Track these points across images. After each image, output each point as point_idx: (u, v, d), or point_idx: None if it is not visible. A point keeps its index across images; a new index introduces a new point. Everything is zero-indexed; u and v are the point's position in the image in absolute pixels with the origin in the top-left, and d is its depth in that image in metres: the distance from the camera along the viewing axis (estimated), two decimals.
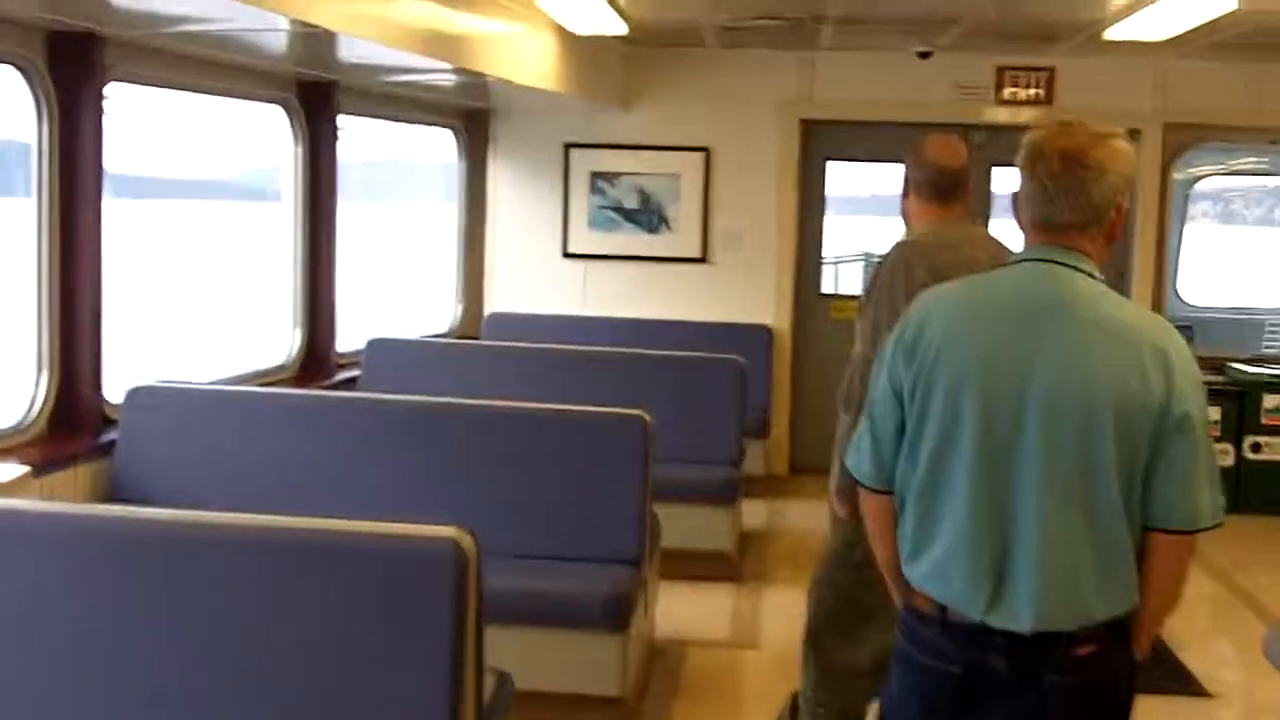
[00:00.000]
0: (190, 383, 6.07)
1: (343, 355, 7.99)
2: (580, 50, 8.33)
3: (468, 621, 3.46)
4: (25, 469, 5.03)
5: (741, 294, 9.81)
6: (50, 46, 5.45)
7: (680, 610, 6.71)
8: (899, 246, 4.51)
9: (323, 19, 5.18)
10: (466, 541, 3.43)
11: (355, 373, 7.86)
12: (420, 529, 3.46)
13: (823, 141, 9.91)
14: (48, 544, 3.52)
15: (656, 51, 9.67)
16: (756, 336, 9.57)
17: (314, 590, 3.45)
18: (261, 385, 7.22)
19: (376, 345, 7.89)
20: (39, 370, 5.62)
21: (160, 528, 3.56)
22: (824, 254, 10.16)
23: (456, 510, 5.31)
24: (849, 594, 4.65)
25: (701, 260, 9.89)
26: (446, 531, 3.42)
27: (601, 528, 5.46)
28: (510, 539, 5.34)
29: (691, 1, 7.82)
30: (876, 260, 4.67)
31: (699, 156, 9.81)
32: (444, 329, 9.85)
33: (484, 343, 9.22)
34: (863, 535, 3.48)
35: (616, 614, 5.18)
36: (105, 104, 5.71)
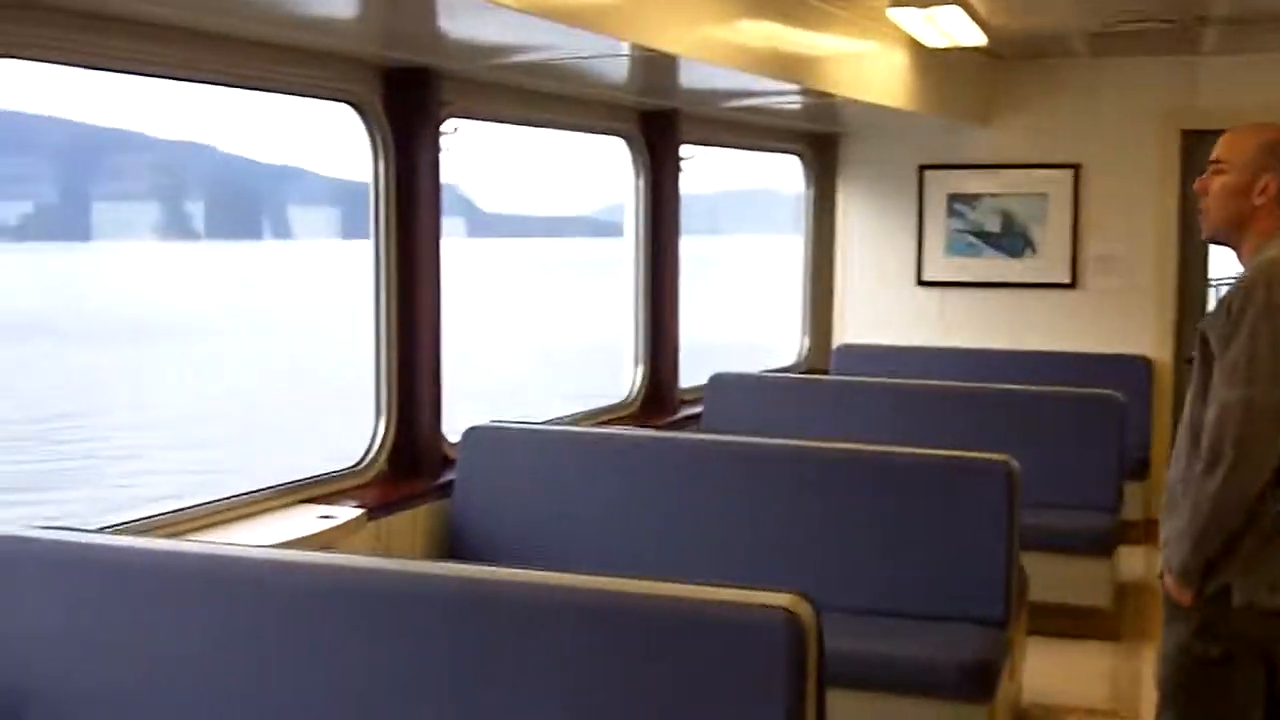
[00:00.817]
0: (527, 422, 5.96)
1: (685, 392, 7.80)
2: (935, 66, 7.90)
3: (806, 697, 3.11)
4: (359, 512, 4.99)
5: (1116, 322, 9.10)
6: (386, 83, 5.44)
7: (1051, 672, 6.16)
8: (1270, 264, 3.77)
9: (664, 43, 5.00)
10: (804, 610, 3.08)
11: (698, 409, 7.64)
12: (754, 596, 3.14)
13: (1207, 154, 9.07)
14: (374, 600, 3.38)
15: (1019, 63, 9.11)
16: (1133, 368, 8.83)
17: (639, 658, 3.18)
18: (604, 423, 7.11)
19: (719, 381, 7.65)
20: (378, 410, 5.62)
21: (483, 586, 3.35)
22: (1209, 276, 9.33)
23: (800, 562, 5.04)
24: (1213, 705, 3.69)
25: (1071, 286, 9.23)
26: (782, 599, 3.08)
27: (962, 584, 5.00)
28: (860, 594, 4.97)
29: (1058, 6, 7.27)
30: (1233, 282, 3.70)
31: (1067, 174, 9.18)
32: (790, 362, 9.56)
33: (832, 378, 8.85)
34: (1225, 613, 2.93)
35: (980, 681, 4.72)
36: (442, 141, 5.68)
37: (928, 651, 4.77)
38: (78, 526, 3.67)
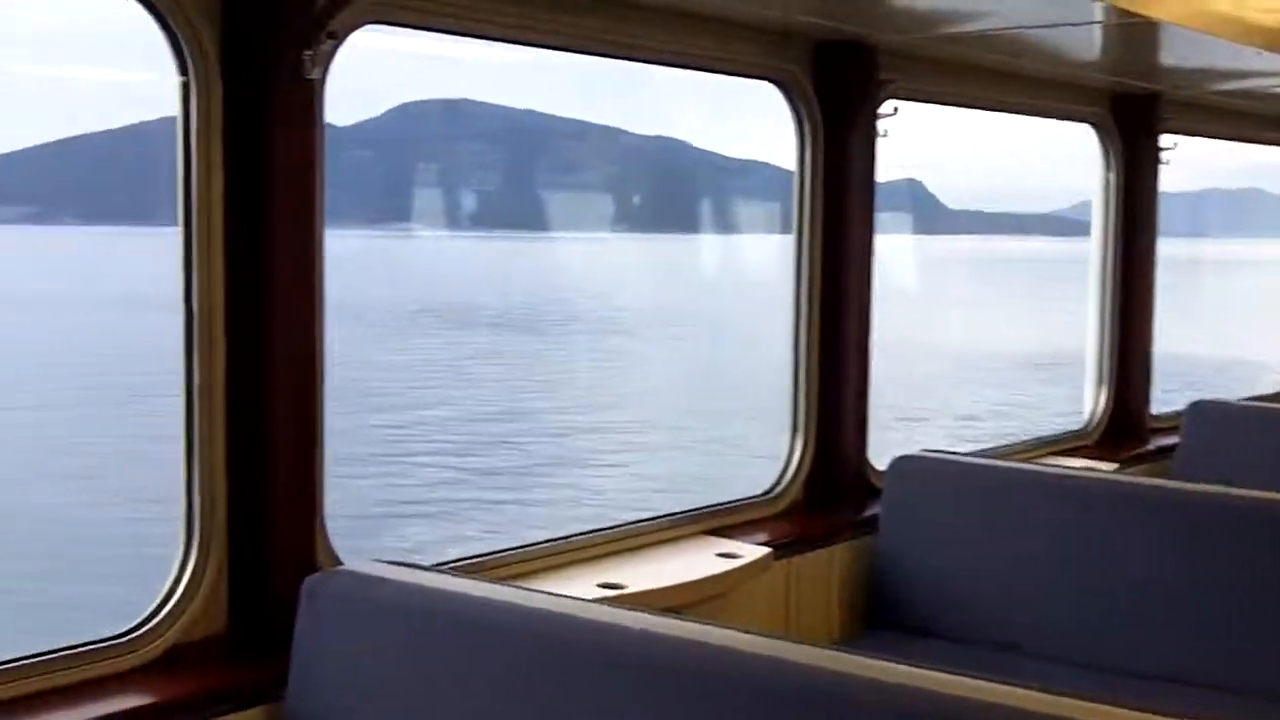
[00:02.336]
0: (965, 453, 5.28)
1: (1158, 419, 6.89)
2: None
3: None
4: (765, 551, 4.46)
5: None
6: (817, 59, 4.90)
7: None
8: None
9: (1145, 7, 4.23)
10: None
11: (1172, 440, 6.70)
12: None
13: None
14: (751, 691, 2.80)
15: None
16: None
17: None
18: (1058, 453, 6.32)
19: (1201, 410, 6.65)
20: (795, 429, 5.09)
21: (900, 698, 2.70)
22: None
23: None
24: None
25: None
26: None
27: None
28: None
29: None
30: None
31: None
32: None
33: None
34: None
35: None
36: (880, 124, 5.10)
37: None
38: (414, 563, 3.29)
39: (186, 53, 3.15)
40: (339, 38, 3.31)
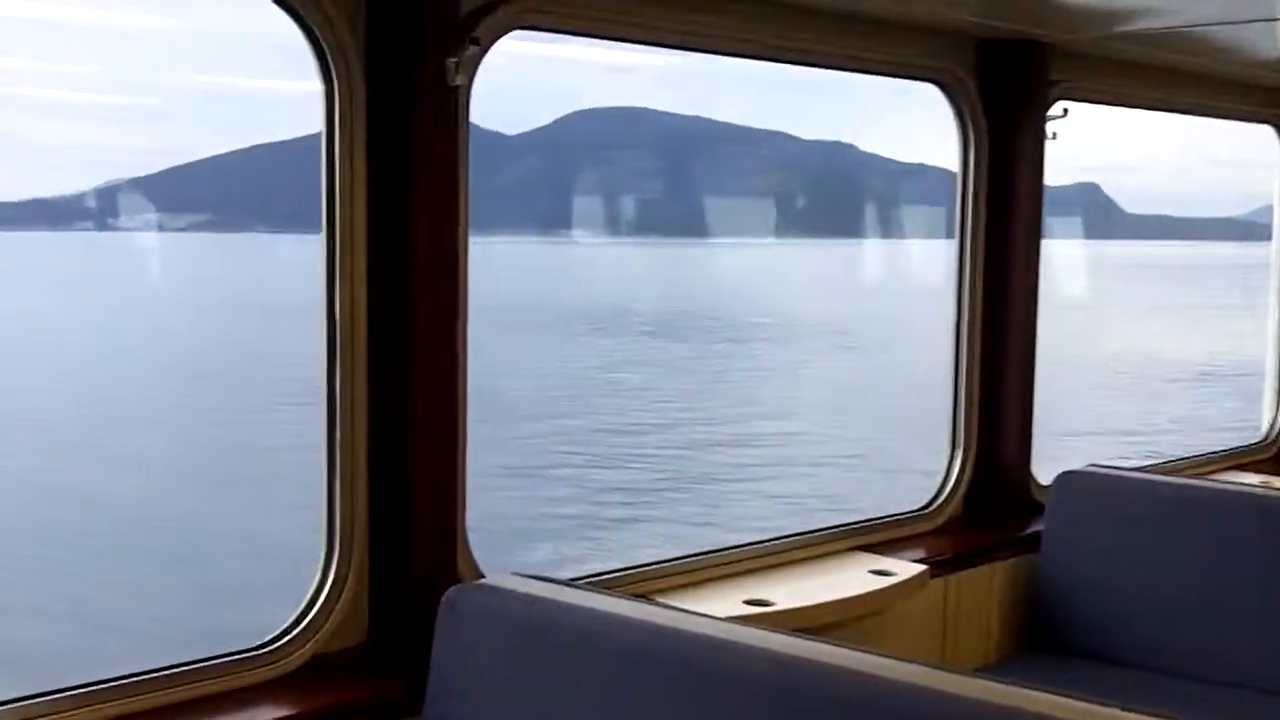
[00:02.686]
0: (1132, 469, 5.07)
1: None
2: None
3: None
4: (920, 568, 4.32)
5: None
6: (982, 59, 4.74)
7: None
8: None
9: None
10: None
11: None
12: None
13: None
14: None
15: None
16: None
17: None
18: (1233, 467, 6.05)
19: None
20: (955, 441, 4.93)
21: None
22: None
23: None
24: None
25: None
26: None
27: None
28: None
29: None
30: None
31: None
32: None
33: None
34: None
35: None
36: (1049, 126, 4.92)
37: None
38: (555, 577, 3.21)
39: (330, 60, 3.14)
40: (483, 44, 3.27)
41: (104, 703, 2.92)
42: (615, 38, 3.78)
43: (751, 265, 59.50)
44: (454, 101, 3.22)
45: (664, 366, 31.21)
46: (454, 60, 3.17)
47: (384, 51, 3.17)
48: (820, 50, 4.34)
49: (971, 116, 4.78)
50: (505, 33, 3.36)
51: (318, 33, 3.11)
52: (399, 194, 3.19)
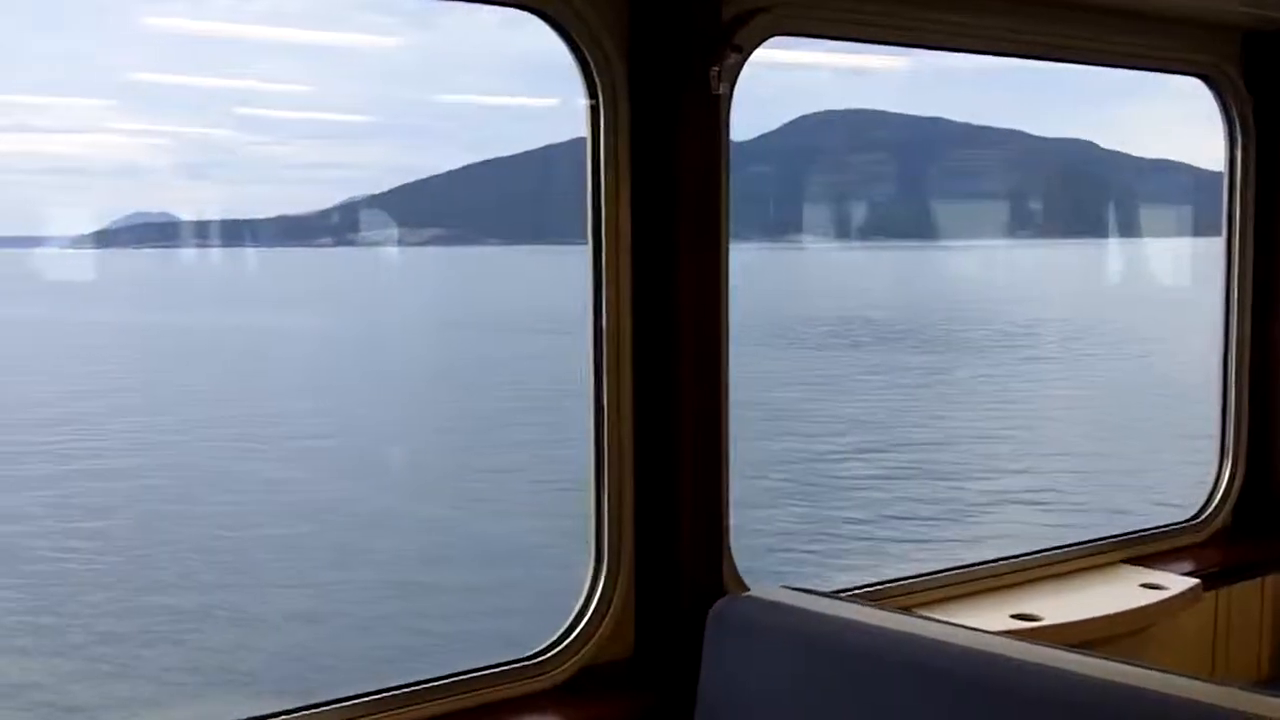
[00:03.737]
0: None
1: None
2: None
3: None
4: (1193, 582, 4.18)
5: None
6: (1248, 50, 4.58)
7: None
8: None
9: None
10: None
11: None
12: None
13: None
14: None
15: None
16: None
17: None
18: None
19: None
20: (1223, 450, 4.77)
21: None
22: None
23: None
24: None
25: None
26: None
27: None
28: None
29: None
30: None
31: None
32: None
33: None
34: None
35: None
36: None
37: None
38: (820, 590, 3.20)
39: (595, 73, 3.19)
40: (745, 51, 3.28)
41: (381, 711, 3.01)
42: (873, 40, 3.76)
43: (988, 268, 58.33)
44: (716, 109, 3.25)
45: (906, 376, 30.61)
46: (716, 69, 3.20)
47: (647, 63, 3.21)
48: (1081, 46, 4.25)
49: (1238, 111, 4.62)
50: (764, 39, 3.37)
51: (583, 47, 3.17)
52: (662, 204, 3.23)
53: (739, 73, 3.30)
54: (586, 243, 3.24)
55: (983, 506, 18.51)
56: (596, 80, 3.19)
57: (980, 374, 31.21)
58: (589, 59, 3.18)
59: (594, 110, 3.22)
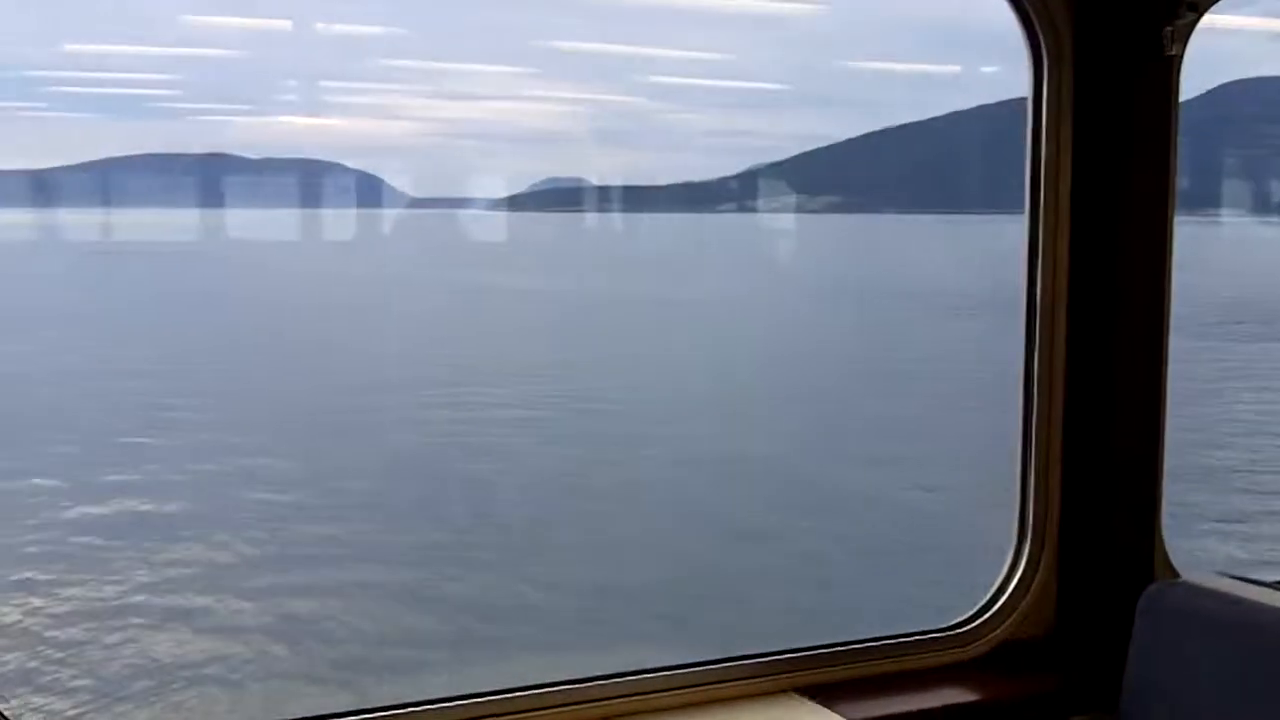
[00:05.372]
0: None
1: None
2: None
3: None
4: None
5: None
6: None
7: None
8: None
9: None
10: None
11: None
12: None
13: None
14: None
15: None
16: None
17: None
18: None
19: None
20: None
21: None
22: None
23: None
24: None
25: None
26: None
27: None
28: None
29: None
30: None
31: None
32: None
33: None
34: None
35: None
36: None
37: None
38: (1261, 580, 3.00)
39: (1042, 40, 3.09)
40: (1200, 9, 3.11)
41: (797, 670, 3.05)
42: None
43: None
44: (1167, 72, 3.10)
45: None
46: (1169, 28, 3.04)
47: (1095, 26, 3.09)
48: None
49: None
50: None
51: (1031, 13, 3.08)
52: (1107, 174, 3.11)
53: (1190, 33, 3.13)
54: (1024, 216, 3.15)
55: None
56: (1042, 44, 3.10)
57: None
58: (1035, 23, 3.09)
59: (1036, 77, 3.13)
